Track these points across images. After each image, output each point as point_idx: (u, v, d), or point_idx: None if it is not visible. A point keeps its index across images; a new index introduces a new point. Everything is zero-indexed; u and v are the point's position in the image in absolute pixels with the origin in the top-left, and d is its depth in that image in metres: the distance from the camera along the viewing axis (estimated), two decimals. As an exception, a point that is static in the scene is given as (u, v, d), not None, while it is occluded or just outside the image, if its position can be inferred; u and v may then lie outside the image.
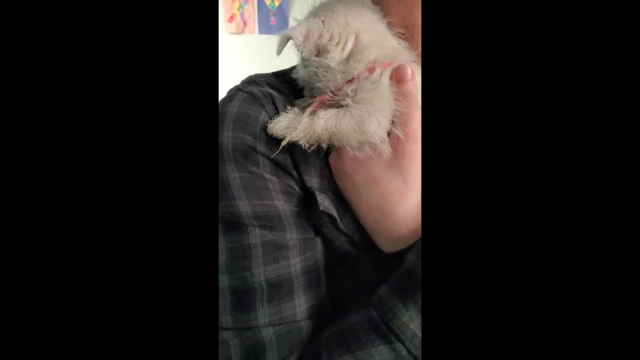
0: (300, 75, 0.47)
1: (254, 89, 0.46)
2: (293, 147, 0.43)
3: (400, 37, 0.44)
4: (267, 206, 0.42)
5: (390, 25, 0.44)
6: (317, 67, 0.43)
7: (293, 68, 0.51)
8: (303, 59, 0.45)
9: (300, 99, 0.47)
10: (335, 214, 0.44)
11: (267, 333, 0.41)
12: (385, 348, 0.37)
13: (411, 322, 0.37)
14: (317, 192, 0.44)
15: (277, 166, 0.44)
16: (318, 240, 0.45)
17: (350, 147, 0.41)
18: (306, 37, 0.43)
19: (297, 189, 0.45)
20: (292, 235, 0.43)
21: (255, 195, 0.42)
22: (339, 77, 0.42)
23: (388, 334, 0.37)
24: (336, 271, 0.46)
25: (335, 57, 0.43)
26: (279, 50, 0.44)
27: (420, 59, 0.44)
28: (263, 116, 0.44)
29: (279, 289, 0.42)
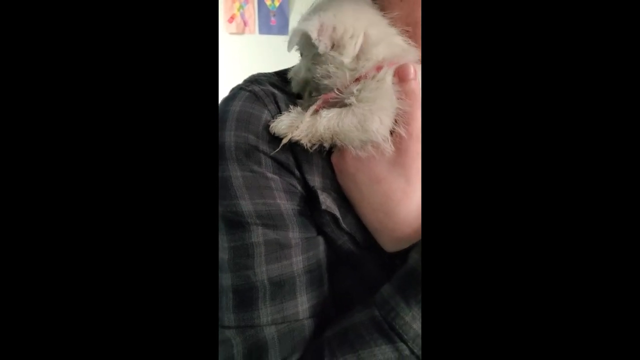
0: (303, 76, 0.46)
1: (257, 88, 0.46)
2: (295, 146, 0.43)
3: (404, 35, 0.44)
4: (269, 205, 0.42)
5: (392, 23, 0.44)
6: (330, 63, 0.43)
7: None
8: (315, 56, 0.44)
9: (303, 100, 0.47)
10: (337, 213, 0.44)
11: (270, 332, 0.41)
12: (387, 347, 0.37)
13: (414, 321, 0.37)
14: (319, 192, 0.44)
15: (280, 165, 0.44)
16: (320, 239, 0.45)
17: (352, 146, 0.41)
18: (320, 31, 0.42)
19: (299, 188, 0.45)
20: (294, 234, 0.43)
21: (258, 194, 0.42)
22: (347, 75, 0.42)
23: (391, 333, 0.37)
24: (338, 270, 0.46)
25: (349, 51, 0.42)
26: (292, 46, 0.44)
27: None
28: (265, 115, 0.44)
29: (281, 287, 0.42)
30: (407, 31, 0.44)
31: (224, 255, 0.42)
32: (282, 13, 2.49)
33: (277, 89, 0.47)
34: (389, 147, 0.40)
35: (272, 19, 2.49)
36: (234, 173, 0.42)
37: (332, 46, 0.43)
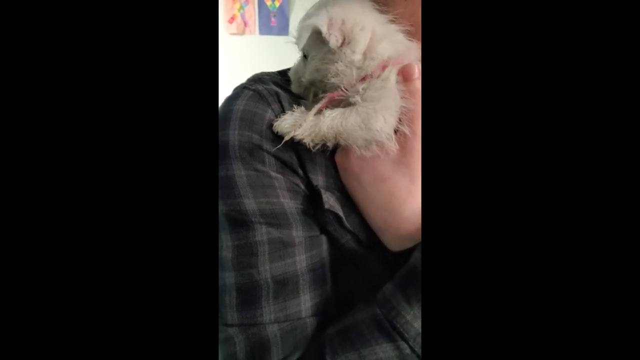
0: (309, 78, 0.46)
1: (260, 87, 0.46)
2: (299, 146, 0.43)
3: (406, 33, 0.44)
4: (273, 204, 0.42)
5: (394, 21, 0.44)
6: (340, 60, 0.42)
7: None
8: (326, 55, 0.44)
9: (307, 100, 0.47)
10: (340, 213, 0.44)
11: (272, 330, 0.41)
12: (388, 346, 0.37)
13: (415, 320, 0.37)
14: (322, 191, 0.44)
15: (283, 164, 0.44)
16: (323, 238, 0.45)
17: (356, 145, 0.41)
18: (330, 25, 0.42)
19: (302, 187, 0.45)
20: (297, 233, 0.43)
21: (262, 193, 0.42)
22: (355, 73, 0.42)
23: (392, 332, 0.38)
24: (341, 269, 0.46)
25: (361, 45, 0.42)
26: (302, 43, 0.44)
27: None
28: (269, 114, 0.44)
29: (284, 286, 0.42)
30: (411, 30, 0.44)
31: (227, 253, 0.42)
32: (283, 14, 2.49)
33: (280, 88, 0.48)
34: (393, 146, 0.40)
35: (273, 19, 2.49)
36: (238, 172, 0.42)
37: (343, 41, 0.42)
